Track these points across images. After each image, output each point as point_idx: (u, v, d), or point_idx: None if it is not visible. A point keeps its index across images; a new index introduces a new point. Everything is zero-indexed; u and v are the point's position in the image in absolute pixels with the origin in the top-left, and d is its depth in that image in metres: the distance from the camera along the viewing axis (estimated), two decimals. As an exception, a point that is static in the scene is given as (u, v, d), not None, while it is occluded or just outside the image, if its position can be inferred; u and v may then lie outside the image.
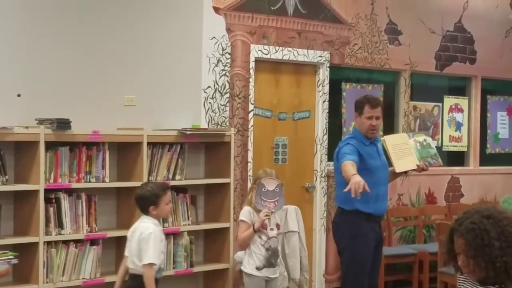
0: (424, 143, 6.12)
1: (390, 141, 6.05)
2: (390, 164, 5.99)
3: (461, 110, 9.07)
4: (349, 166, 5.39)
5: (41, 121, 5.72)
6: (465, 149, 9.15)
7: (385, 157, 5.96)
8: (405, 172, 6.15)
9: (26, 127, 5.65)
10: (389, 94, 8.43)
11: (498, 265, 2.82)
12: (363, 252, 5.72)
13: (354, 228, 5.72)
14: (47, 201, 5.71)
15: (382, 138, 6.15)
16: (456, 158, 9.15)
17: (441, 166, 6.18)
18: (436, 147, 8.76)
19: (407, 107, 8.50)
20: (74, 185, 5.82)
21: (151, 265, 4.97)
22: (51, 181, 5.71)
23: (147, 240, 4.99)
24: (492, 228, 2.85)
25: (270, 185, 5.82)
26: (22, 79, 5.84)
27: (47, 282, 5.70)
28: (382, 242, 6.07)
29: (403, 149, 6.05)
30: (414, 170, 6.04)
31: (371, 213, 5.75)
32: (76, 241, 5.82)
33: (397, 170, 5.94)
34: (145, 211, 5.13)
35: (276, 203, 5.84)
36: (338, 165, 5.69)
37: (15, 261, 4.75)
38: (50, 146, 5.71)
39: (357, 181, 5.10)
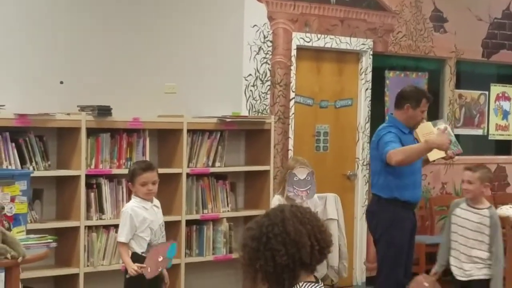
0: (446, 131, 6.04)
1: (423, 130, 5.97)
2: None
3: (508, 99, 8.95)
4: (407, 147, 5.46)
5: (82, 108, 5.83)
6: (511, 137, 9.04)
7: None
8: (433, 161, 6.06)
9: (68, 114, 5.76)
10: (433, 82, 8.35)
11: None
12: (400, 241, 5.69)
13: (391, 217, 5.70)
14: (88, 186, 5.83)
15: None
16: (502, 147, 9.04)
17: (461, 154, 6.11)
18: (482, 135, 8.75)
19: (452, 95, 8.42)
20: (115, 171, 5.93)
21: (119, 243, 5.03)
22: (92, 167, 5.83)
23: (121, 219, 5.04)
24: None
25: (301, 173, 5.82)
26: (64, 67, 5.95)
27: (88, 266, 5.82)
28: (416, 230, 6.02)
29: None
30: (442, 158, 5.96)
31: (408, 201, 5.72)
32: (116, 226, 5.90)
33: (431, 159, 5.89)
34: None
35: (308, 191, 5.85)
36: (377, 153, 5.67)
37: (53, 244, 4.86)
38: (92, 132, 5.82)
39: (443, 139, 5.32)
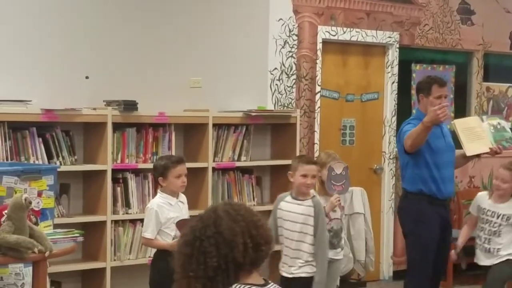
0: (499, 126, 5.93)
1: (461, 125, 5.88)
2: (461, 147, 5.87)
3: (536, 91, 8.85)
4: (411, 131, 5.41)
5: (108, 103, 5.85)
6: (540, 131, 8.94)
7: (451, 140, 5.85)
8: (478, 156, 5.96)
9: (94, 109, 5.79)
10: (461, 75, 8.28)
11: None
12: (426, 237, 5.61)
13: (417, 212, 5.64)
14: (115, 181, 5.85)
15: (452, 122, 6.05)
16: (531, 140, 8.94)
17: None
18: (510, 128, 8.65)
19: (480, 88, 8.35)
20: (141, 165, 5.95)
21: (144, 238, 5.04)
22: (118, 161, 5.85)
23: (146, 215, 5.05)
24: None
25: (338, 168, 5.80)
26: (90, 62, 5.97)
27: (114, 260, 5.85)
28: (450, 226, 5.93)
29: (474, 132, 5.87)
30: (487, 153, 5.85)
31: (434, 196, 5.64)
32: (143, 220, 5.92)
33: (468, 154, 5.78)
34: (158, 183, 5.13)
35: (343, 186, 5.83)
36: (401, 146, 5.64)
37: (80, 239, 4.88)
38: (117, 127, 5.85)
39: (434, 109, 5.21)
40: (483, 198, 5.81)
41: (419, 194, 5.63)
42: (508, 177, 5.57)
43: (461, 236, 5.97)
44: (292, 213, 5.22)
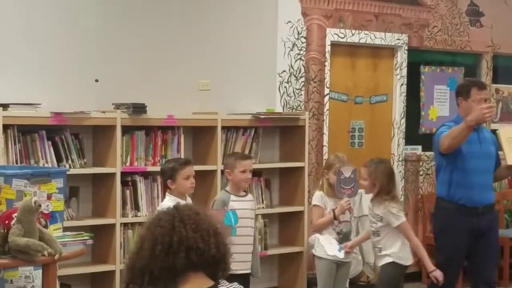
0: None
1: (505, 134, 5.71)
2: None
3: (546, 93, 8.83)
4: (451, 129, 5.26)
5: (117, 106, 5.86)
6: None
7: (491, 146, 5.58)
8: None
9: (103, 112, 5.80)
10: (470, 77, 8.24)
11: None
12: (450, 245, 5.45)
13: (443, 219, 5.51)
14: (124, 183, 5.87)
15: (497, 130, 5.88)
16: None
17: None
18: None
19: (489, 90, 8.32)
20: (150, 168, 5.96)
21: None
22: (128, 164, 5.87)
23: None
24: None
25: (347, 171, 5.82)
26: (99, 65, 5.99)
27: (124, 263, 5.84)
28: (490, 234, 5.56)
29: None
30: None
31: (462, 203, 5.43)
32: (152, 223, 5.94)
33: (509, 162, 5.58)
34: (166, 186, 5.14)
35: (353, 189, 5.84)
36: (436, 149, 5.49)
37: (90, 241, 4.89)
38: (127, 130, 5.86)
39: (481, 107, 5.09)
40: (370, 199, 5.70)
41: (447, 200, 5.49)
42: (365, 174, 5.49)
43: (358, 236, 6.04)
44: (245, 210, 5.32)
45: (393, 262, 5.45)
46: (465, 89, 5.54)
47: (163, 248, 2.38)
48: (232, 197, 5.27)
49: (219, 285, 2.44)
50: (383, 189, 5.44)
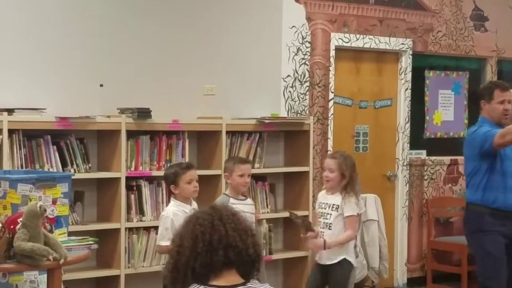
0: None
1: None
2: None
3: (551, 97, 8.81)
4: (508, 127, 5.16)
5: (122, 111, 5.87)
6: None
7: None
8: None
9: (108, 116, 5.81)
10: (474, 82, 8.25)
11: None
12: (491, 245, 5.33)
13: (478, 223, 5.39)
14: (129, 188, 5.87)
15: None
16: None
17: None
18: None
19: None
20: (155, 173, 5.96)
21: (159, 246, 5.02)
22: (132, 169, 5.87)
23: (160, 223, 5.04)
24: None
25: None
26: (104, 70, 6.00)
27: (128, 267, 5.86)
28: None
29: None
30: None
31: (497, 206, 5.35)
32: (157, 228, 5.91)
33: None
34: (170, 191, 5.14)
35: None
36: (473, 151, 5.39)
37: (95, 246, 4.89)
38: (131, 134, 5.87)
39: None
40: (321, 193, 5.62)
41: (480, 204, 5.39)
42: (334, 165, 5.43)
43: None
44: (245, 214, 5.22)
45: (345, 259, 5.41)
46: (487, 92, 5.50)
47: (204, 245, 2.46)
48: (232, 200, 5.27)
49: (248, 284, 2.52)
50: (351, 181, 5.39)
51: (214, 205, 2.61)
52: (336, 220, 5.38)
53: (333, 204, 5.39)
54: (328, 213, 5.43)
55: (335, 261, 5.38)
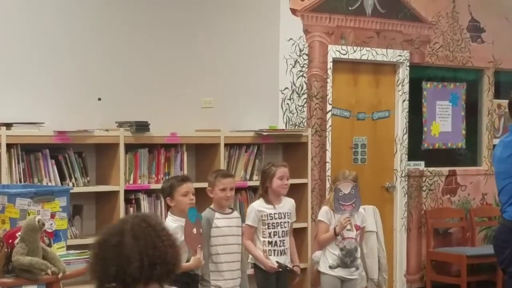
0: None
1: None
2: None
3: (548, 108, 8.82)
4: None
5: (120, 124, 5.89)
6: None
7: None
8: None
9: (107, 130, 5.83)
10: (472, 93, 8.30)
11: None
12: None
13: None
14: (127, 201, 5.88)
15: None
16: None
17: None
18: None
19: (491, 105, 8.34)
20: (153, 186, 5.97)
21: None
22: (131, 182, 5.88)
23: None
24: None
25: (346, 188, 5.82)
26: (102, 84, 6.02)
27: (127, 281, 5.84)
28: None
29: None
30: None
31: None
32: (156, 241, 5.94)
33: None
34: (167, 204, 5.13)
35: (354, 205, 5.84)
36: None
37: (93, 260, 4.88)
38: (130, 148, 5.88)
39: None
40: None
41: None
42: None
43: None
44: (231, 228, 5.30)
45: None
46: None
47: (139, 259, 2.48)
48: (217, 214, 5.26)
49: None
50: None
51: (154, 222, 2.59)
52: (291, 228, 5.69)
53: (289, 212, 5.66)
54: (287, 221, 5.63)
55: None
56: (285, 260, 5.61)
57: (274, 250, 5.57)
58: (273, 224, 5.58)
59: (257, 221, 5.54)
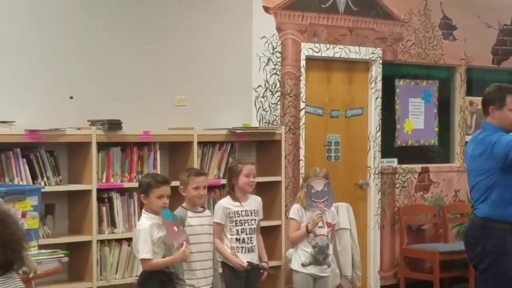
0: None
1: None
2: None
3: (520, 105, 8.89)
4: None
5: (93, 123, 5.85)
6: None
7: None
8: None
9: (79, 129, 5.79)
10: (444, 90, 8.35)
11: None
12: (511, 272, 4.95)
13: (501, 243, 4.92)
14: (100, 200, 5.85)
15: None
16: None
17: None
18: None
19: (463, 102, 8.40)
20: (126, 184, 5.94)
21: (144, 260, 4.89)
22: (104, 181, 5.85)
23: (137, 237, 4.92)
24: None
25: (318, 185, 5.84)
26: (74, 82, 5.98)
27: (101, 280, 5.83)
28: None
29: None
30: None
31: None
32: (129, 239, 5.90)
33: None
34: (140, 201, 5.09)
35: (326, 202, 5.86)
36: (492, 162, 4.91)
37: (65, 259, 4.86)
38: (102, 146, 5.85)
39: None
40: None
41: (501, 221, 4.94)
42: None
43: None
44: (203, 226, 5.29)
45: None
46: (498, 97, 5.03)
47: None
48: (189, 213, 5.24)
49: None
50: None
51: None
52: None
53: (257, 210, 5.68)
54: (254, 219, 5.64)
55: None
56: (253, 257, 5.61)
57: (242, 248, 5.56)
58: (241, 221, 5.57)
59: (224, 219, 5.53)
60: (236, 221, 5.56)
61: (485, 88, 5.15)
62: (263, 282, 5.87)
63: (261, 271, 5.66)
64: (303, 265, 5.78)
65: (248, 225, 5.61)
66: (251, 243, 5.60)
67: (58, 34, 5.94)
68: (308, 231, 5.73)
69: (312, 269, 5.78)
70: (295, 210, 5.86)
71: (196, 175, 5.31)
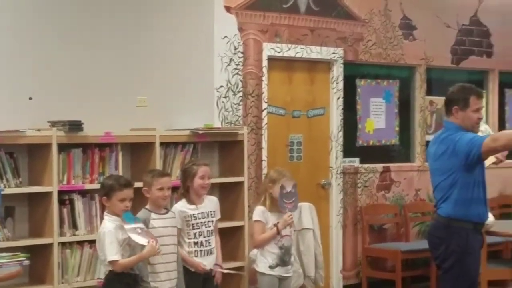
0: (486, 132, 5.42)
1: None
2: None
3: (478, 104, 8.99)
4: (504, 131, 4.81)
5: (53, 124, 5.77)
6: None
7: None
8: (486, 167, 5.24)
9: (39, 130, 5.71)
10: (404, 90, 8.41)
11: None
12: (475, 270, 5.04)
13: (464, 242, 4.99)
14: (61, 202, 5.77)
15: None
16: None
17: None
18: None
19: (423, 102, 8.47)
20: (88, 186, 5.88)
21: (112, 262, 4.85)
22: (64, 182, 5.77)
23: (103, 240, 4.87)
24: None
25: (288, 186, 5.84)
26: (33, 82, 5.90)
27: (62, 283, 5.75)
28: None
29: None
30: (493, 163, 5.30)
31: (479, 221, 5.05)
32: (91, 242, 5.84)
33: (487, 165, 5.14)
34: (102, 203, 5.06)
35: (294, 203, 5.87)
36: (456, 161, 4.94)
37: (26, 262, 4.81)
38: (63, 148, 5.77)
39: None
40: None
41: (464, 220, 4.99)
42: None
43: None
44: (167, 228, 5.26)
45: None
46: (462, 97, 5.07)
47: None
48: (153, 215, 5.21)
49: None
50: None
51: None
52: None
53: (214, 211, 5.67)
54: (211, 220, 5.62)
55: None
56: (212, 260, 5.57)
57: (201, 251, 5.52)
58: (197, 225, 5.52)
59: (181, 223, 5.47)
60: (193, 224, 5.52)
61: (445, 87, 5.22)
62: (224, 284, 5.86)
63: (212, 275, 5.60)
64: (270, 267, 5.77)
65: (206, 227, 5.56)
66: (210, 245, 5.56)
67: (17, 33, 5.85)
68: (278, 232, 5.72)
69: (279, 271, 5.79)
70: (260, 212, 5.84)
71: (160, 176, 5.27)
